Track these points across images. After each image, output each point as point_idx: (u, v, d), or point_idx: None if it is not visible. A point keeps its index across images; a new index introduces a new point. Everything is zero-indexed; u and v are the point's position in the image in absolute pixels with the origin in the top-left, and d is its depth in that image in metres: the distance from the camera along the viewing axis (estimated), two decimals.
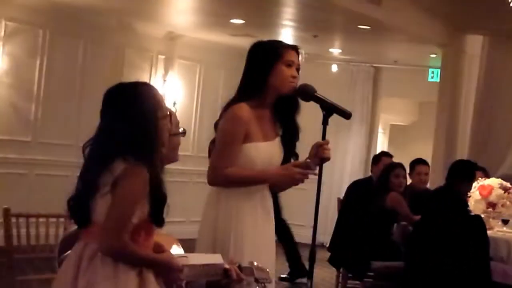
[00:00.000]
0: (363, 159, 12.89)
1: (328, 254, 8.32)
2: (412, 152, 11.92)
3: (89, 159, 3.02)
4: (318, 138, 3.75)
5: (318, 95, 3.74)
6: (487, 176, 8.26)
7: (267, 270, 3.37)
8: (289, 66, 3.81)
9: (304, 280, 8.99)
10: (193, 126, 11.86)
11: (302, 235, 10.60)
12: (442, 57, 10.54)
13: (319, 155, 3.73)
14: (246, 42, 3.99)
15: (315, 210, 3.68)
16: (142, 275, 2.98)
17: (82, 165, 3.03)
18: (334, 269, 8.50)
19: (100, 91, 3.13)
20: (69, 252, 3.08)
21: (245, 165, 3.75)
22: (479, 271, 6.70)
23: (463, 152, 10.16)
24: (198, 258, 3.23)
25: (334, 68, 13.07)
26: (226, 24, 10.32)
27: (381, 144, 14.93)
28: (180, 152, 3.45)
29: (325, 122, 3.68)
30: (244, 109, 3.75)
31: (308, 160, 3.74)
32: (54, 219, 5.74)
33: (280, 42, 3.93)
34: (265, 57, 3.80)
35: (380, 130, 14.65)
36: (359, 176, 11.36)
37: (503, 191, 7.65)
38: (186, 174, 11.07)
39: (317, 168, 3.76)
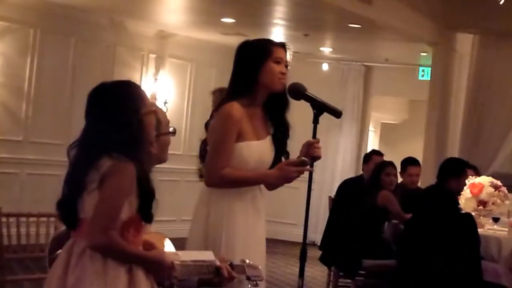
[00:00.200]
0: (354, 157, 12.90)
1: (320, 252, 8.33)
2: (403, 150, 11.95)
3: (75, 160, 3.03)
4: (309, 137, 3.75)
5: (309, 94, 3.75)
6: (478, 174, 8.28)
7: (259, 267, 3.37)
8: (278, 63, 3.83)
9: None
10: (184, 125, 11.85)
11: (293, 233, 10.66)
12: (433, 56, 10.56)
13: (310, 154, 3.74)
14: (237, 41, 4.00)
15: (306, 209, 3.68)
16: (132, 272, 2.98)
17: (67, 167, 3.04)
18: (325, 268, 8.52)
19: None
20: (59, 251, 3.09)
21: (237, 165, 3.75)
22: (470, 269, 6.71)
23: (453, 150, 10.19)
24: (190, 255, 3.23)
25: (325, 66, 13.08)
26: (217, 23, 10.32)
27: (372, 143, 14.96)
28: (170, 151, 3.45)
29: (315, 121, 3.69)
30: (236, 108, 3.76)
31: (304, 158, 3.74)
32: (44, 219, 5.73)
33: (268, 40, 3.95)
34: (255, 55, 3.82)
35: (371, 128, 14.68)
36: (350, 174, 11.38)
37: (493, 189, 7.68)
38: (176, 173, 11.06)
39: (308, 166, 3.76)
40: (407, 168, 8.25)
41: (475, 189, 7.69)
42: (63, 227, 3.27)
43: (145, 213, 3.03)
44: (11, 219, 5.60)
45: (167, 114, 3.63)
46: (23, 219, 5.71)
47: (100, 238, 2.90)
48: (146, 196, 3.01)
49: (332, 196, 8.75)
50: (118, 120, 2.99)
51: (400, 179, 8.17)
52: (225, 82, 3.93)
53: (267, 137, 3.89)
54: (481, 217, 7.58)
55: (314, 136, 3.74)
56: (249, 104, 3.82)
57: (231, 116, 3.75)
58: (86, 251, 2.94)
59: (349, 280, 7.86)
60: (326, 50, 12.37)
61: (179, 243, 3.54)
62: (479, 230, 6.94)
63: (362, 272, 7.46)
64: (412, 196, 7.77)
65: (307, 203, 3.68)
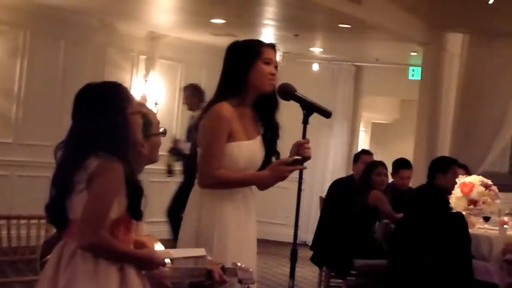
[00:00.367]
0: (345, 157, 12.88)
1: (311, 252, 8.34)
2: (394, 150, 11.99)
3: (62, 160, 3.03)
4: (299, 137, 3.75)
5: (298, 94, 3.74)
6: (468, 173, 8.30)
7: (251, 270, 3.37)
8: (268, 64, 3.82)
9: None
10: (174, 126, 11.83)
11: (284, 234, 10.64)
12: (423, 55, 10.58)
13: (300, 154, 3.72)
14: (227, 42, 4.00)
15: (296, 209, 3.68)
16: (123, 271, 2.98)
17: (54, 169, 3.04)
18: (316, 268, 8.53)
19: None
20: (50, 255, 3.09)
21: (228, 165, 3.75)
22: (461, 268, 6.73)
23: (444, 150, 10.21)
24: (182, 253, 3.23)
25: (315, 67, 13.08)
26: (207, 24, 10.31)
27: (363, 143, 14.96)
28: (161, 152, 3.45)
29: (305, 121, 3.68)
30: (226, 108, 3.76)
31: (297, 157, 3.72)
32: (35, 221, 5.72)
33: (258, 41, 3.95)
34: (245, 56, 3.82)
35: (361, 128, 14.69)
36: (341, 174, 11.37)
37: (484, 188, 7.69)
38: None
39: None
40: (399, 171, 8.22)
41: (466, 188, 7.70)
42: (54, 230, 3.27)
43: (134, 210, 3.03)
44: (2, 222, 5.60)
45: (157, 115, 3.64)
46: (14, 221, 5.70)
47: (90, 238, 2.90)
48: (135, 194, 3.02)
49: (323, 196, 8.76)
50: (104, 120, 2.99)
51: (391, 179, 8.18)
52: (215, 83, 3.93)
53: (258, 137, 3.89)
54: (472, 216, 7.58)
55: (304, 136, 3.74)
56: (239, 104, 3.82)
57: (221, 116, 3.74)
58: (77, 252, 2.94)
59: (340, 280, 7.86)
60: (316, 50, 12.38)
61: (170, 245, 3.54)
62: (469, 229, 6.96)
63: (354, 272, 7.45)
64: (403, 195, 7.79)
65: (297, 203, 3.67)
